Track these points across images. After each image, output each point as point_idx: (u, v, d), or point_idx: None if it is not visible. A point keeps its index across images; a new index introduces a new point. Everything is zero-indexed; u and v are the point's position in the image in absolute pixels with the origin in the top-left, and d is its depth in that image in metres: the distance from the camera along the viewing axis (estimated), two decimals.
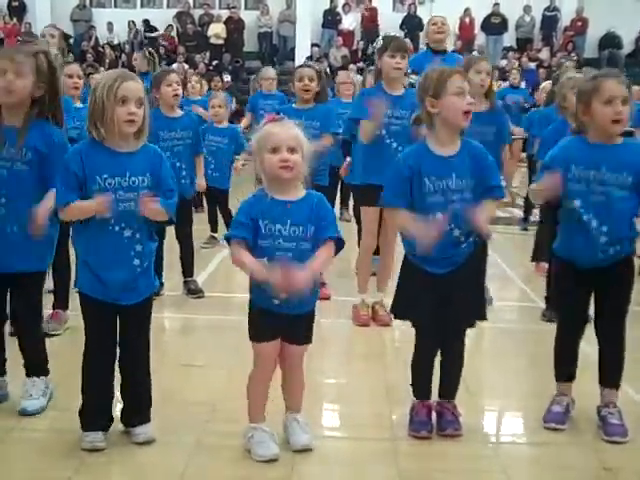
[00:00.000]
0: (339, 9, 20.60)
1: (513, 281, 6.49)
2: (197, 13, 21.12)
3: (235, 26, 20.38)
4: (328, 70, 17.74)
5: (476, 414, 3.68)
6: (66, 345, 4.45)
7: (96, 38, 20.43)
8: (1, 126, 3.39)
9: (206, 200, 7.79)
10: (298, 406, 3.31)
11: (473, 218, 3.20)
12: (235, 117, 12.53)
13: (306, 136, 3.10)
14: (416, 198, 3.29)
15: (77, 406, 3.24)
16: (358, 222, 5.58)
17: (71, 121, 4.62)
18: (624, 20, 19.09)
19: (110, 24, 20.74)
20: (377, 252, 5.27)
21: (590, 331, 3.55)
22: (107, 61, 19.00)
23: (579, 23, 20.04)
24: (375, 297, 5.17)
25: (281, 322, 3.10)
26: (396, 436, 3.42)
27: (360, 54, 20.02)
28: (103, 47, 20.07)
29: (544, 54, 19.53)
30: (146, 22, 20.71)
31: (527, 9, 20.21)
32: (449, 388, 3.48)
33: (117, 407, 3.34)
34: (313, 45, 20.18)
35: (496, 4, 20.00)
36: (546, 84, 7.96)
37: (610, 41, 19.80)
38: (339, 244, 3.09)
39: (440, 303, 3.31)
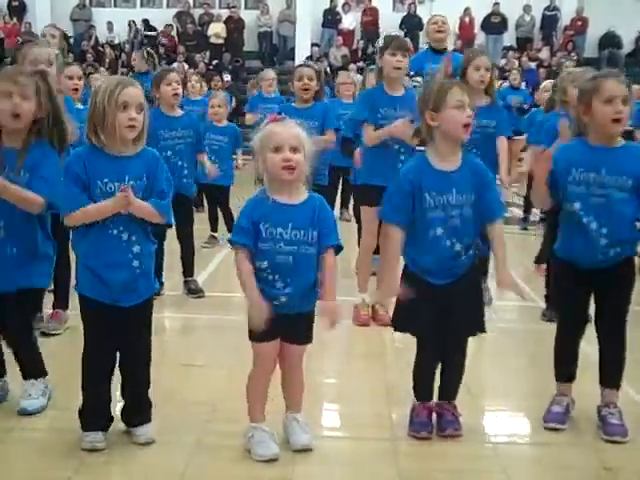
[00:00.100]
0: (339, 9, 20.59)
1: None
2: (197, 13, 21.11)
3: (235, 26, 20.37)
4: (328, 70, 17.76)
5: (476, 414, 3.67)
6: (66, 345, 4.45)
7: (96, 38, 20.42)
8: (1, 148, 3.36)
9: (206, 199, 7.80)
10: (298, 406, 3.31)
11: (502, 286, 3.30)
12: (234, 116, 12.54)
13: (308, 135, 3.11)
14: (416, 213, 3.29)
15: (77, 406, 3.24)
16: (358, 222, 5.58)
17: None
18: (624, 20, 19.09)
19: (110, 24, 20.74)
20: (377, 252, 5.27)
21: (590, 331, 3.55)
22: (107, 61, 19.02)
23: (579, 23, 20.03)
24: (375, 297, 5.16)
25: (281, 322, 3.09)
26: (396, 436, 3.42)
27: (360, 54, 20.01)
28: (103, 47, 20.06)
29: (544, 54, 19.52)
30: (145, 22, 20.70)
31: (527, 8, 20.20)
32: (449, 391, 3.48)
33: (117, 407, 3.34)
34: (313, 45, 20.17)
35: (496, 3, 19.98)
36: (546, 83, 7.95)
37: (610, 41, 19.79)
38: (338, 249, 3.13)
39: (440, 314, 3.30)
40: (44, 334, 4.50)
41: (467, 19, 19.80)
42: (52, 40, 5.89)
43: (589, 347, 3.62)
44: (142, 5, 21.74)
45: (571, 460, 3.27)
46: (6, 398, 3.63)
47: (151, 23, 20.74)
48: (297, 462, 3.15)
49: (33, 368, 3.59)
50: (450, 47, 7.10)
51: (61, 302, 4.74)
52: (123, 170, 3.11)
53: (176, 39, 20.47)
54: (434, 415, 3.45)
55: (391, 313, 3.49)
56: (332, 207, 6.42)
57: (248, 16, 20.75)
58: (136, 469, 3.12)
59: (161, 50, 19.31)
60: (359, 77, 9.36)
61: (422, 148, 3.45)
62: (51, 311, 4.70)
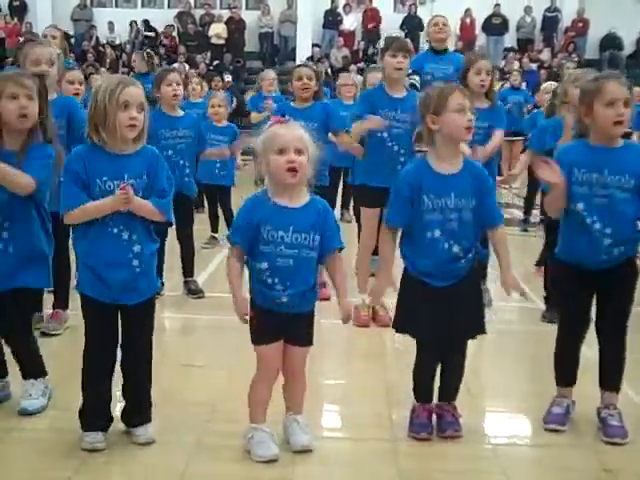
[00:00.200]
0: (340, 9, 20.60)
1: None
2: (198, 13, 21.11)
3: (236, 26, 20.37)
4: (329, 70, 17.76)
5: (476, 415, 3.67)
6: (66, 345, 4.45)
7: (97, 38, 20.41)
8: (2, 150, 3.37)
9: (207, 200, 7.80)
10: (299, 408, 3.31)
11: (506, 286, 3.34)
12: (235, 117, 12.53)
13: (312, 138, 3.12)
14: (415, 215, 3.31)
15: (77, 406, 3.24)
16: (358, 222, 5.58)
17: None
18: (625, 21, 19.11)
19: (111, 24, 20.75)
20: (376, 252, 5.26)
21: (590, 334, 3.55)
22: (108, 61, 19.00)
23: (580, 24, 20.03)
24: None
25: (281, 322, 3.10)
26: (396, 437, 3.42)
27: (361, 54, 20.02)
28: (104, 47, 20.05)
29: (545, 55, 19.52)
30: (146, 22, 20.70)
31: (528, 10, 20.20)
32: (449, 392, 3.48)
33: (117, 407, 3.35)
34: (314, 45, 20.18)
35: (497, 5, 19.99)
36: (547, 85, 7.96)
37: (611, 42, 19.79)
38: (339, 250, 3.18)
39: (441, 316, 3.31)
40: (44, 334, 4.50)
41: (468, 20, 19.79)
42: (53, 41, 5.91)
43: (589, 350, 3.62)
44: (143, 5, 21.76)
45: (571, 461, 3.27)
46: (8, 398, 3.63)
47: (152, 23, 20.71)
48: (297, 463, 3.15)
49: (33, 368, 3.59)
50: (451, 48, 7.10)
51: (61, 302, 4.74)
52: (122, 169, 3.12)
53: (177, 39, 20.47)
54: (434, 416, 3.45)
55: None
56: (333, 208, 6.41)
57: (249, 17, 20.75)
58: (136, 469, 3.12)
59: (162, 50, 19.33)
60: (360, 78, 9.36)
61: (422, 149, 3.46)
62: (51, 311, 4.71)
